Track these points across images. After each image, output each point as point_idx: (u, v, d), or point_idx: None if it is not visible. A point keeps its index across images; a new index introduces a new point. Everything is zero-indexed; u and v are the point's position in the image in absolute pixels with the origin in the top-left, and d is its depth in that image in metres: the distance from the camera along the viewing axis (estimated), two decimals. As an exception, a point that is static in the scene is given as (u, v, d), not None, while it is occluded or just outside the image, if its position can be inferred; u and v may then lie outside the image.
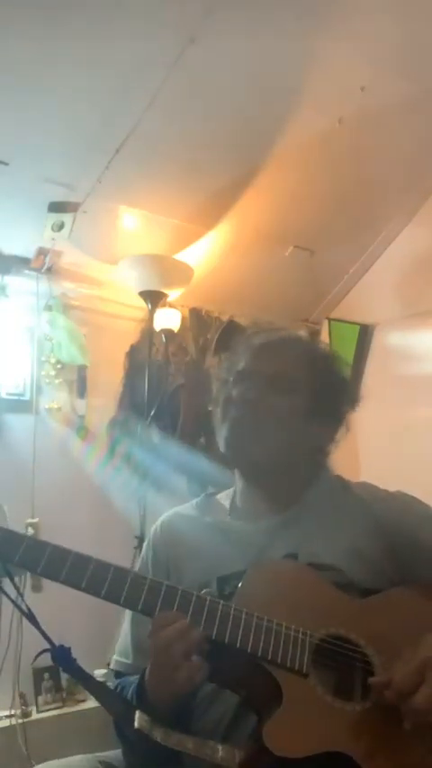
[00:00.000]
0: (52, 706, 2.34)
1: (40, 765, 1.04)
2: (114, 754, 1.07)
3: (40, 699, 2.33)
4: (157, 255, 2.54)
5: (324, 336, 3.17)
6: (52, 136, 2.07)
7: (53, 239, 2.38)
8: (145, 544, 1.20)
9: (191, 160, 2.30)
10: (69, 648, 0.91)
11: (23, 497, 2.40)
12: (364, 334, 3.04)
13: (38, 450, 2.49)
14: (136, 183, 2.33)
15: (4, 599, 0.98)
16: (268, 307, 2.85)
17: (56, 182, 2.22)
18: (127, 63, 1.89)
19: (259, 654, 0.85)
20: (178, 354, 2.90)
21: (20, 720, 2.23)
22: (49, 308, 2.57)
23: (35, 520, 2.43)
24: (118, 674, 1.10)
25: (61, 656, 0.91)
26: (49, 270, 2.53)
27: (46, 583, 2.02)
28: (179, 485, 2.62)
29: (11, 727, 2.22)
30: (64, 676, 2.38)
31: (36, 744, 2.16)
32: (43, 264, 2.50)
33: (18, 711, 2.26)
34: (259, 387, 1.09)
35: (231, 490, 1.19)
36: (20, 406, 2.52)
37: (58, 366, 2.58)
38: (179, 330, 2.77)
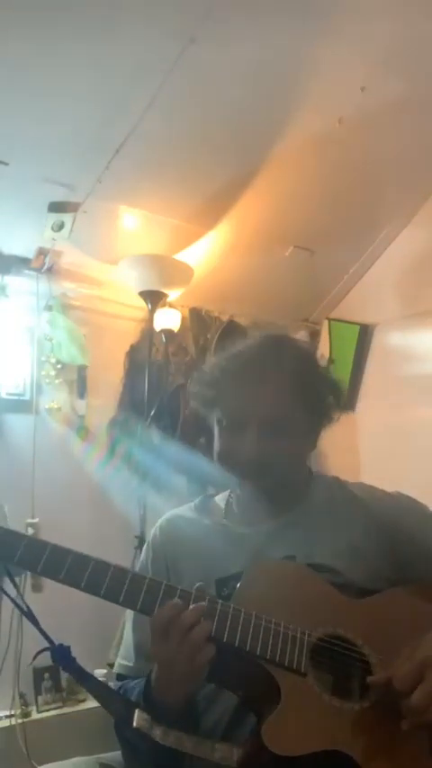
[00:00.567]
0: (52, 706, 2.34)
1: (41, 768, 1.05)
2: (114, 755, 1.07)
3: (40, 699, 2.33)
4: (157, 255, 2.54)
5: (324, 336, 3.18)
6: (52, 136, 2.06)
7: (53, 239, 2.38)
8: (145, 546, 1.20)
9: (191, 160, 2.30)
10: (69, 647, 0.92)
11: (23, 497, 2.40)
12: (364, 334, 3.04)
13: (38, 450, 2.49)
14: (136, 183, 2.33)
15: (4, 598, 0.98)
16: (268, 307, 2.85)
17: (56, 182, 2.22)
18: (127, 63, 1.89)
19: (258, 653, 0.86)
20: (178, 354, 2.90)
21: (20, 720, 2.23)
22: (49, 308, 2.57)
23: (35, 520, 2.44)
24: (120, 677, 1.10)
25: (61, 655, 0.91)
26: (49, 270, 2.53)
27: (46, 583, 2.04)
28: (179, 485, 2.62)
29: (11, 727, 2.22)
30: (64, 676, 2.38)
31: (36, 744, 2.16)
32: (43, 264, 2.50)
33: (18, 711, 2.26)
34: (252, 426, 1.06)
35: (228, 492, 1.20)
36: (20, 406, 2.52)
37: (58, 366, 2.58)
38: (179, 330, 2.77)
